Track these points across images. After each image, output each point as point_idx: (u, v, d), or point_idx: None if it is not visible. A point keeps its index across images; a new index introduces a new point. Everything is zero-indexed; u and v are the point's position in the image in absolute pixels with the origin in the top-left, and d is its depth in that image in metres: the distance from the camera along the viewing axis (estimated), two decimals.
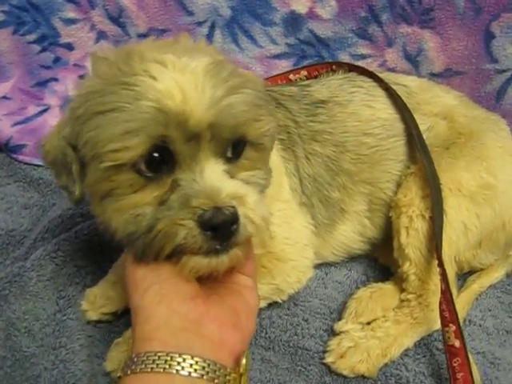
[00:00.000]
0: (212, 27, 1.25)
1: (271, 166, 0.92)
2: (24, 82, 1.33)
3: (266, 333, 0.96)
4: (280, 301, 0.98)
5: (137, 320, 0.65)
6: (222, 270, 0.69)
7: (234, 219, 0.65)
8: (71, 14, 1.27)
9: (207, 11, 1.23)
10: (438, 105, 1.07)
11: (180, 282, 0.67)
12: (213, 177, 0.67)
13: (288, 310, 1.00)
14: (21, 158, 1.31)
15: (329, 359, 0.92)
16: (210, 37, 1.26)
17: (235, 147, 0.71)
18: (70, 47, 1.31)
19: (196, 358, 0.60)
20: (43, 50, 1.31)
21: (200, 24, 1.25)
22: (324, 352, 0.94)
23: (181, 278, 0.67)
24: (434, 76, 1.22)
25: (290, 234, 0.97)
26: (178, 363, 0.59)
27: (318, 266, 1.07)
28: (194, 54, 0.70)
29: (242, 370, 0.63)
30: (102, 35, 1.30)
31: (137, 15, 1.25)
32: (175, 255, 0.67)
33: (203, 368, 0.60)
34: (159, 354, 0.60)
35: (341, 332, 0.96)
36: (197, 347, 0.62)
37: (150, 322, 0.64)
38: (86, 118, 0.68)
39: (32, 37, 1.30)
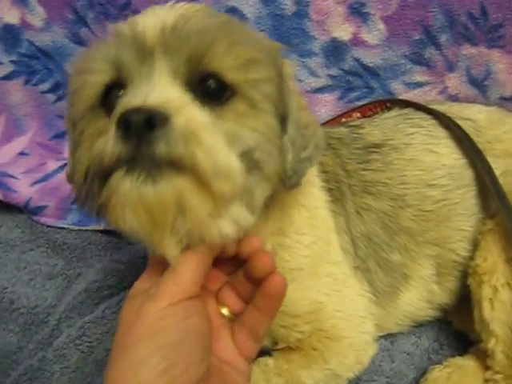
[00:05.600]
0: None
1: (318, 219, 0.81)
2: (41, 135, 1.24)
3: None
4: None
5: None
6: (156, 205, 0.53)
7: (156, 120, 0.52)
8: None
9: None
10: None
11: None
12: (155, 88, 0.57)
13: None
14: (43, 220, 1.21)
15: None
16: None
17: (218, 90, 0.59)
18: None
19: None
20: (59, 98, 1.22)
21: None
22: None
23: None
24: (505, 100, 1.07)
25: (341, 306, 0.82)
26: None
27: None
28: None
29: None
30: None
31: None
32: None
33: None
34: None
35: None
36: None
37: None
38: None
39: (45, 86, 1.21)
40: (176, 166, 0.53)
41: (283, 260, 0.77)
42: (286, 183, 0.67)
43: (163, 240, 0.57)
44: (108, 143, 0.54)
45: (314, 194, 0.83)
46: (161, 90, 0.56)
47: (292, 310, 0.79)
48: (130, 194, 0.54)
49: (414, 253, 0.88)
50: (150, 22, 0.61)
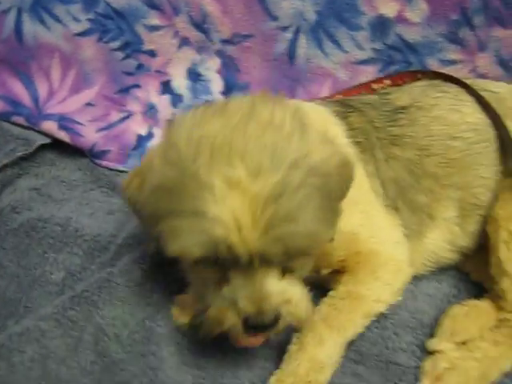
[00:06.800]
0: (296, 32, 1.23)
1: None
2: (107, 89, 1.33)
3: (356, 346, 0.93)
4: (392, 300, 0.93)
5: None
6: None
7: (275, 323, 0.75)
8: (155, 21, 1.27)
9: (292, 16, 1.21)
10: None
11: None
12: (262, 281, 0.74)
13: (378, 322, 0.96)
14: (104, 163, 1.31)
15: (424, 382, 0.88)
16: (294, 42, 1.24)
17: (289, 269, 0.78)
18: (152, 54, 1.31)
19: None
20: (126, 56, 1.31)
21: (284, 29, 1.23)
22: (416, 367, 0.90)
23: None
24: None
25: (376, 233, 0.93)
26: None
27: None
28: (266, 161, 0.70)
29: None
30: (185, 41, 1.29)
31: (221, 21, 1.24)
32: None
33: None
34: None
35: (435, 351, 0.91)
36: None
37: None
38: (159, 212, 0.74)
39: (116, 44, 1.30)
40: None
41: None
42: None
43: None
44: (235, 329, 0.76)
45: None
46: (268, 284, 0.74)
47: None
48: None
49: (439, 195, 0.97)
50: (244, 233, 0.69)
